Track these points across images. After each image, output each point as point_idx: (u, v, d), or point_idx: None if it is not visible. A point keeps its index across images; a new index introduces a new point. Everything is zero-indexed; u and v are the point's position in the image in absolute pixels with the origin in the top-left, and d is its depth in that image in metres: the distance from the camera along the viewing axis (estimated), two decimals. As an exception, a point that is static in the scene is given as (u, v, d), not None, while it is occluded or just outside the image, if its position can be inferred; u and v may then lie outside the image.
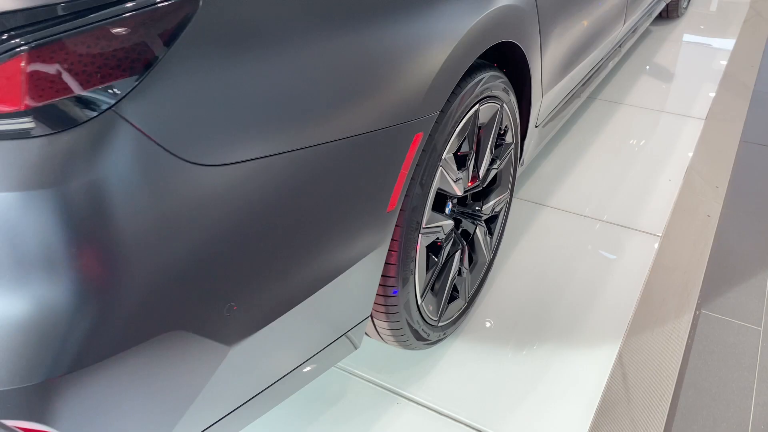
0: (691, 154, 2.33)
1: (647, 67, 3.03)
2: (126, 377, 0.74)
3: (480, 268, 1.56)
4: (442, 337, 1.46)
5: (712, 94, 2.78)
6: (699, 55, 3.18)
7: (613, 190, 2.11)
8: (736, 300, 1.70)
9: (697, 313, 1.66)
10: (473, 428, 1.32)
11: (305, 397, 1.38)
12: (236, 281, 0.81)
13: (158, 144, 0.68)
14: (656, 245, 1.86)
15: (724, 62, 3.10)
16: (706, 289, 1.74)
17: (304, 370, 1.05)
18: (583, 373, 1.43)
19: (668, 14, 3.60)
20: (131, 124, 0.66)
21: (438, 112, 1.09)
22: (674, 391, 1.41)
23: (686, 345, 1.54)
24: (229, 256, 0.79)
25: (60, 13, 0.62)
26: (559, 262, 1.78)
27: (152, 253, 0.71)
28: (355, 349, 1.18)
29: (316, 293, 0.96)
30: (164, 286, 0.73)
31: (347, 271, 1.00)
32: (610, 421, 1.33)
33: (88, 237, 0.66)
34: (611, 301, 1.65)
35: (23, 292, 0.66)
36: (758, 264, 1.83)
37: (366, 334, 1.35)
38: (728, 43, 3.32)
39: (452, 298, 1.45)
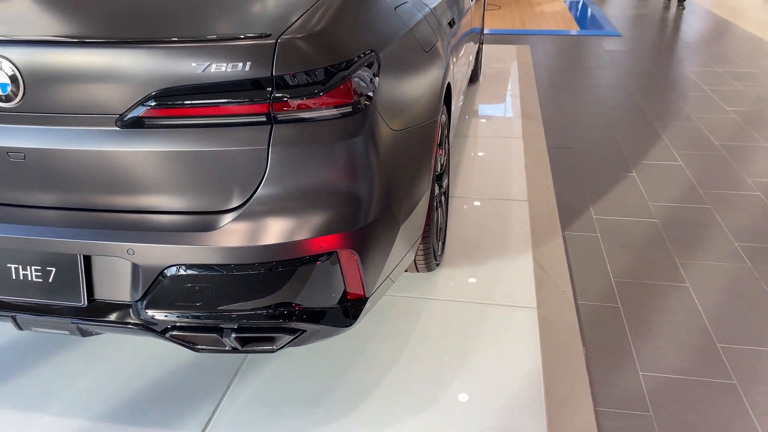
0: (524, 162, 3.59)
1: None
2: (373, 238, 1.59)
3: (444, 224, 2.54)
4: (440, 261, 2.41)
5: (520, 123, 4.15)
6: (499, 97, 4.61)
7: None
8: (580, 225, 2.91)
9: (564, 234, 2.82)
10: (479, 303, 2.27)
11: (371, 315, 2.22)
12: (403, 190, 1.71)
13: (385, 121, 1.59)
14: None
15: (519, 101, 4.55)
16: (563, 215, 2.92)
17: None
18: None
19: (470, 80, 5.04)
20: (377, 111, 1.57)
21: (441, 115, 2.10)
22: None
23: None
24: (399, 176, 1.69)
25: (354, 60, 1.52)
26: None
27: (383, 172, 1.60)
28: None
29: (415, 208, 1.87)
30: (387, 189, 1.62)
31: (422, 199, 1.93)
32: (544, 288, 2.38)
33: (364, 160, 1.54)
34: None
35: (354, 188, 1.51)
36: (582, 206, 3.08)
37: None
38: (515, 88, 4.82)
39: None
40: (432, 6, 2.38)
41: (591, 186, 3.31)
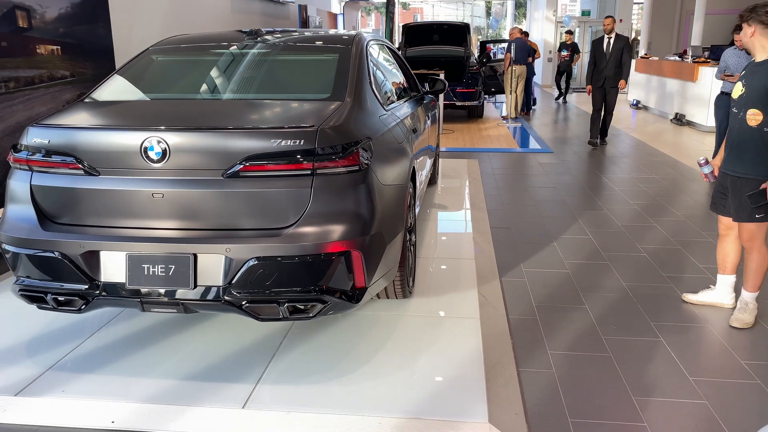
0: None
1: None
2: (370, 246, 2.60)
3: (414, 265, 3.55)
4: (412, 291, 3.39)
5: (469, 211, 5.27)
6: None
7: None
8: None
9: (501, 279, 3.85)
10: (439, 317, 3.23)
11: (363, 324, 3.16)
12: (388, 222, 2.75)
13: (377, 177, 2.67)
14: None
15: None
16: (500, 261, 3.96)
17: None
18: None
19: (430, 182, 6.22)
20: (373, 170, 2.64)
21: (409, 184, 3.19)
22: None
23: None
24: (386, 211, 2.73)
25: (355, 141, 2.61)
26: (439, 270, 3.86)
27: (377, 205, 2.64)
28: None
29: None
30: (379, 217, 2.64)
31: (399, 234, 2.95)
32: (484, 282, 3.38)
33: (366, 197, 2.58)
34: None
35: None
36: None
37: (377, 296, 3.23)
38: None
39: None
40: (401, 118, 3.55)
41: (522, 251, 4.39)
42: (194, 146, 2.48)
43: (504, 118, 11.58)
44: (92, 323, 3.15)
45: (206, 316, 3.19)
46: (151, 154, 2.47)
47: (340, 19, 16.41)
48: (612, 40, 8.43)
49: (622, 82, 8.49)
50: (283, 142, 2.45)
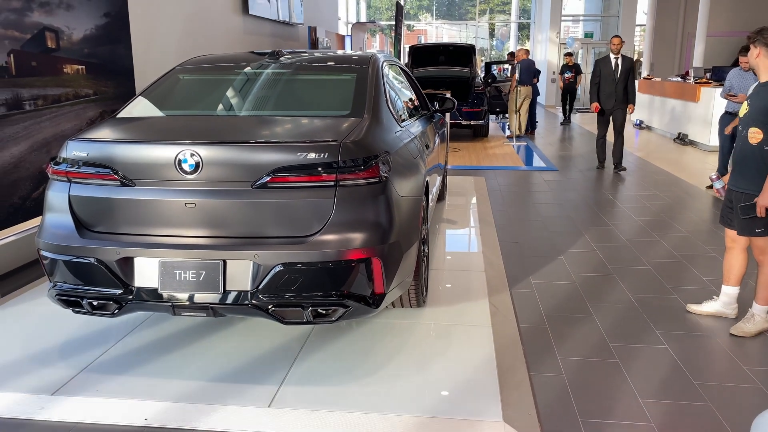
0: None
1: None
2: (389, 254, 2.75)
3: (427, 276, 3.68)
4: (425, 301, 3.52)
5: (478, 226, 5.42)
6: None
7: (456, 260, 4.45)
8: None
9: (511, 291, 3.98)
10: (453, 324, 3.36)
11: (381, 331, 3.29)
12: (406, 232, 2.89)
13: (395, 189, 2.82)
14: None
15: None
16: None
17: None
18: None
19: (439, 198, 6.37)
20: (391, 182, 2.80)
21: (423, 197, 3.34)
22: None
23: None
24: (404, 221, 2.88)
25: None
26: (450, 281, 3.99)
27: (395, 215, 2.79)
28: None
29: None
30: (397, 227, 2.79)
31: (415, 244, 3.09)
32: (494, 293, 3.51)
33: (385, 207, 2.73)
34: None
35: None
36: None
37: (391, 305, 3.36)
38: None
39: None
40: (415, 135, 3.72)
41: (530, 264, 4.52)
42: (225, 159, 2.64)
43: (509, 137, 11.77)
44: (119, 328, 3.28)
45: (227, 323, 3.33)
46: (185, 166, 2.63)
47: (347, 40, 16.73)
48: (619, 61, 8.16)
49: (630, 106, 8.24)
50: (308, 155, 2.61)
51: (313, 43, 12.66)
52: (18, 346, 3.11)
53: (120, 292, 2.71)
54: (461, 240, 5.10)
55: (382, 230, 2.72)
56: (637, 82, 13.21)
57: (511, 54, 14.71)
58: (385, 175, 2.77)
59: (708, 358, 3.14)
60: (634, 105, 8.37)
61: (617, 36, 8.38)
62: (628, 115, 8.42)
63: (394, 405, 2.59)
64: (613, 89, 8.16)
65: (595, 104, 8.32)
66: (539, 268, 4.45)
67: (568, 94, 14.70)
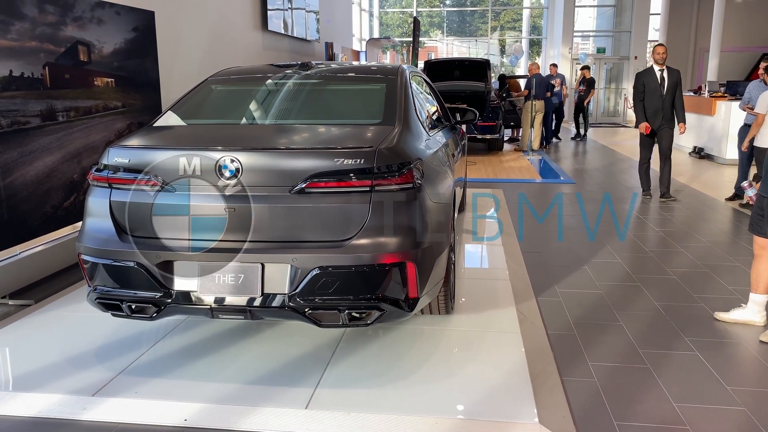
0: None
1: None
2: (422, 259, 2.79)
3: (454, 283, 3.71)
4: (453, 308, 3.54)
5: (500, 236, 5.45)
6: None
7: (480, 269, 4.47)
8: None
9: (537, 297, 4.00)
10: (482, 331, 3.39)
11: (413, 336, 3.32)
12: (437, 236, 2.93)
13: (428, 195, 2.87)
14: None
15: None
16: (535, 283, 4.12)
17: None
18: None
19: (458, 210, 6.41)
20: (424, 188, 2.84)
21: (452, 204, 3.39)
22: (540, 310, 3.68)
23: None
24: (436, 226, 2.92)
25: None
26: (476, 289, 4.01)
27: (428, 220, 2.83)
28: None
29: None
30: (430, 231, 2.84)
31: (446, 250, 3.13)
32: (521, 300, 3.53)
33: (419, 212, 2.78)
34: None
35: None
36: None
37: (420, 312, 3.39)
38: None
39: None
40: (442, 144, 3.77)
41: (554, 273, 4.54)
42: (264, 165, 2.71)
43: (524, 151, 11.81)
44: (152, 333, 3.34)
45: (254, 330, 3.37)
46: (225, 172, 2.70)
47: (362, 56, 16.91)
48: (665, 73, 6.98)
49: (681, 125, 7.09)
50: (345, 161, 2.67)
51: (330, 58, 12.82)
52: (57, 349, 3.17)
53: (159, 295, 2.76)
54: (484, 250, 5.13)
55: (416, 235, 2.76)
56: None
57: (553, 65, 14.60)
58: (419, 181, 2.82)
59: (739, 364, 3.15)
60: (685, 123, 7.14)
61: (661, 44, 7.19)
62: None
63: (429, 407, 2.61)
64: (660, 106, 6.97)
65: (645, 124, 7.06)
66: (563, 277, 4.47)
67: (577, 107, 14.69)
